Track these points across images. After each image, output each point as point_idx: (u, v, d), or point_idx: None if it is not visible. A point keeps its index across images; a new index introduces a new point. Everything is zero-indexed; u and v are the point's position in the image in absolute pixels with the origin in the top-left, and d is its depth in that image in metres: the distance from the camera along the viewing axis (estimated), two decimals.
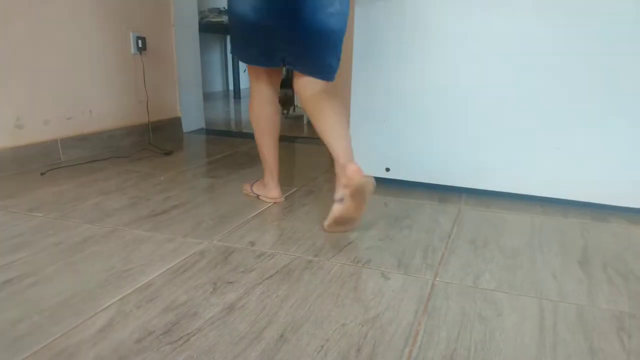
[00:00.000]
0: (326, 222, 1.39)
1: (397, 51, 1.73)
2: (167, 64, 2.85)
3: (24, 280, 1.09)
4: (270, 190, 1.66)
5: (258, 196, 1.70)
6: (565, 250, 1.29)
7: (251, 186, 1.73)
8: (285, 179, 1.97)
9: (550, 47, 1.55)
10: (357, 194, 1.32)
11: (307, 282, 1.10)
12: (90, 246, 1.27)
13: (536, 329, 0.93)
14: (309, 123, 3.64)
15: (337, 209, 1.34)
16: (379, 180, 1.93)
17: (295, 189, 1.83)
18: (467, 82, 1.67)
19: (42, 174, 1.97)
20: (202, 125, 3.24)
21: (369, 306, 1.00)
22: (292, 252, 1.26)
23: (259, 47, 1.43)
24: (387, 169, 1.85)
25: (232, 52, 1.55)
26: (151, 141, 2.68)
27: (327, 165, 2.22)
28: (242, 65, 3.39)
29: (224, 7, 4.66)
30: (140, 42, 2.58)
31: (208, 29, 4.51)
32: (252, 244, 1.31)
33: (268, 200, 1.67)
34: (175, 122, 2.97)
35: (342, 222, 1.37)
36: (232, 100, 5.08)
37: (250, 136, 2.84)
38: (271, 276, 1.12)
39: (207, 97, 5.14)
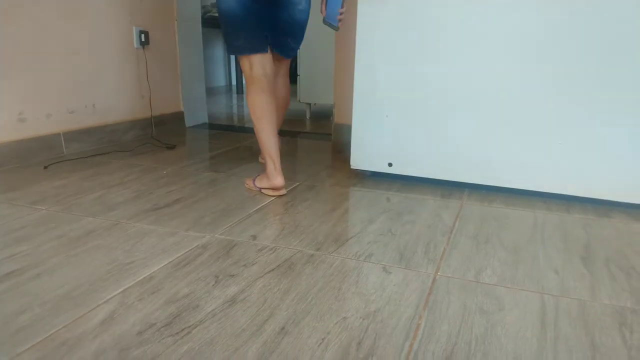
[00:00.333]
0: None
1: (400, 46, 1.72)
2: (169, 58, 2.85)
3: (26, 272, 1.09)
4: (273, 178, 1.66)
5: (260, 190, 1.71)
6: (568, 246, 1.29)
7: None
8: (287, 174, 1.96)
9: (553, 41, 1.54)
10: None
11: (308, 276, 1.10)
12: (93, 239, 1.27)
13: (538, 323, 0.92)
14: (311, 118, 3.63)
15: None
16: (382, 175, 1.93)
17: (297, 183, 1.83)
18: (470, 78, 1.66)
19: (45, 167, 1.97)
20: (205, 119, 3.24)
21: (370, 300, 1.00)
22: (293, 246, 1.26)
23: (247, 37, 1.65)
24: (390, 164, 1.85)
25: (227, 52, 1.87)
26: (154, 135, 2.68)
27: (328, 161, 2.22)
28: None
29: None
30: (143, 36, 2.57)
31: (211, 23, 4.50)
32: (254, 237, 1.31)
33: (271, 194, 1.68)
34: (178, 117, 2.97)
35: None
36: (234, 95, 5.07)
37: (252, 131, 2.84)
38: (272, 270, 1.12)
39: (210, 91, 5.14)
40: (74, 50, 2.22)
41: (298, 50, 3.40)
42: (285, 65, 1.94)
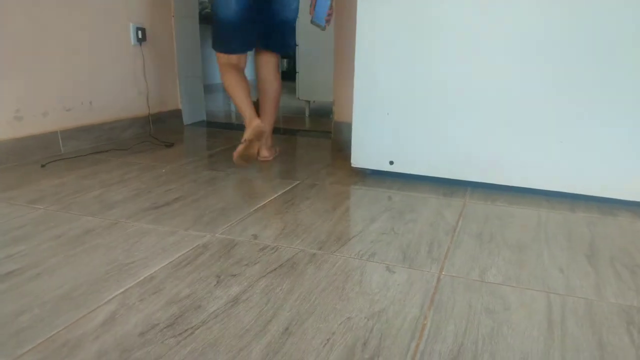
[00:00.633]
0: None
1: (400, 44, 1.71)
2: (167, 55, 2.83)
3: (25, 272, 1.08)
4: (250, 123, 1.90)
5: (245, 140, 1.89)
6: (572, 245, 1.28)
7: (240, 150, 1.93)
8: (287, 173, 1.95)
9: (553, 41, 1.53)
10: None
11: (311, 276, 1.08)
12: (92, 239, 1.26)
13: (544, 323, 0.92)
14: (311, 116, 3.62)
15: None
16: (383, 174, 1.92)
17: (298, 182, 1.82)
18: (471, 76, 1.65)
19: (42, 165, 1.95)
20: (203, 117, 3.22)
21: (375, 300, 0.99)
22: (295, 245, 1.25)
23: (240, 40, 1.97)
24: (391, 162, 1.83)
25: (213, 48, 2.03)
26: (152, 133, 2.66)
27: (328, 159, 2.20)
28: None
29: None
30: (140, 33, 2.55)
31: (207, 20, 4.47)
32: (255, 237, 1.29)
33: (252, 137, 1.87)
34: (176, 114, 2.95)
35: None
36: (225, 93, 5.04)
37: None
38: (275, 269, 1.11)
39: (207, 89, 5.11)
40: (70, 47, 2.20)
41: (297, 48, 3.39)
42: (276, 59, 2.10)
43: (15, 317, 0.91)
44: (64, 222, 1.37)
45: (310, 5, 1.94)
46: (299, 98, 3.58)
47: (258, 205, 1.54)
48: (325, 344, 0.84)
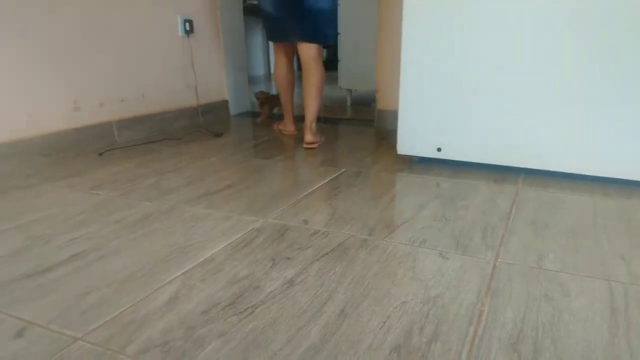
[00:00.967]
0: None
1: (448, 29, 1.68)
2: (213, 47, 2.88)
3: (89, 254, 1.13)
4: (287, 125, 2.47)
5: (281, 131, 2.50)
6: (632, 231, 1.24)
7: (277, 125, 2.57)
8: (333, 161, 1.96)
9: (611, 25, 1.46)
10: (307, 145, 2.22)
11: (363, 261, 1.09)
12: (151, 223, 1.31)
13: (607, 311, 0.89)
14: (352, 105, 3.61)
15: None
16: (430, 161, 1.90)
17: (344, 169, 1.82)
18: (523, 59, 1.60)
19: (99, 154, 2.04)
20: (248, 108, 3.27)
21: (429, 285, 0.99)
22: (345, 230, 1.26)
23: (276, 29, 2.21)
24: (439, 149, 1.81)
25: (267, 38, 2.33)
26: (201, 124, 2.73)
27: (373, 147, 2.20)
28: None
29: None
30: (187, 25, 2.61)
31: (250, 11, 4.52)
32: (306, 222, 1.31)
33: (286, 132, 2.47)
34: (223, 105, 3.01)
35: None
36: (274, 83, 5.09)
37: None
38: (327, 254, 1.13)
39: (250, 80, 5.18)
40: (122, 40, 2.28)
41: (339, 36, 3.38)
42: (314, 48, 2.17)
43: (83, 296, 0.96)
44: (123, 207, 1.43)
45: None
46: (340, 87, 3.57)
47: (307, 192, 1.56)
48: (382, 327, 0.85)
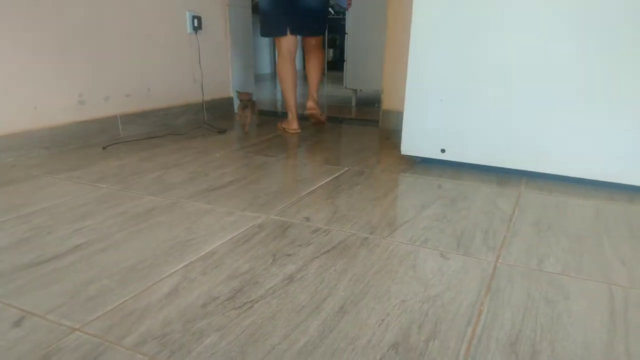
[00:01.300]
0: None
1: (456, 32, 1.68)
2: (221, 43, 2.89)
3: (92, 245, 1.14)
4: (290, 123, 2.49)
5: (285, 129, 2.50)
6: (634, 236, 1.23)
7: (281, 123, 2.56)
8: (336, 160, 1.97)
9: (620, 31, 1.46)
10: (311, 116, 2.57)
11: (364, 259, 1.09)
12: (154, 216, 1.32)
13: (606, 314, 0.89)
14: (357, 105, 3.61)
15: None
16: (432, 162, 1.90)
17: (346, 168, 1.82)
18: (528, 61, 1.60)
19: (103, 148, 2.05)
20: None
21: (429, 284, 0.99)
22: (347, 229, 1.26)
23: (277, 25, 2.36)
24: (443, 150, 1.81)
25: (261, 34, 2.50)
26: (206, 120, 2.74)
27: (376, 147, 2.20)
28: None
29: None
30: (196, 21, 2.62)
31: (257, 9, 4.52)
32: (308, 219, 1.32)
33: (290, 130, 2.48)
34: (228, 102, 3.02)
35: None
36: (278, 83, 5.09)
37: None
38: (328, 251, 1.13)
39: (257, 78, 5.18)
40: (130, 35, 2.29)
41: (345, 37, 3.39)
42: (315, 40, 2.49)
43: (85, 286, 0.96)
44: (126, 200, 1.44)
45: None
46: (346, 87, 3.57)
47: (309, 190, 1.56)
48: (381, 324, 0.85)
